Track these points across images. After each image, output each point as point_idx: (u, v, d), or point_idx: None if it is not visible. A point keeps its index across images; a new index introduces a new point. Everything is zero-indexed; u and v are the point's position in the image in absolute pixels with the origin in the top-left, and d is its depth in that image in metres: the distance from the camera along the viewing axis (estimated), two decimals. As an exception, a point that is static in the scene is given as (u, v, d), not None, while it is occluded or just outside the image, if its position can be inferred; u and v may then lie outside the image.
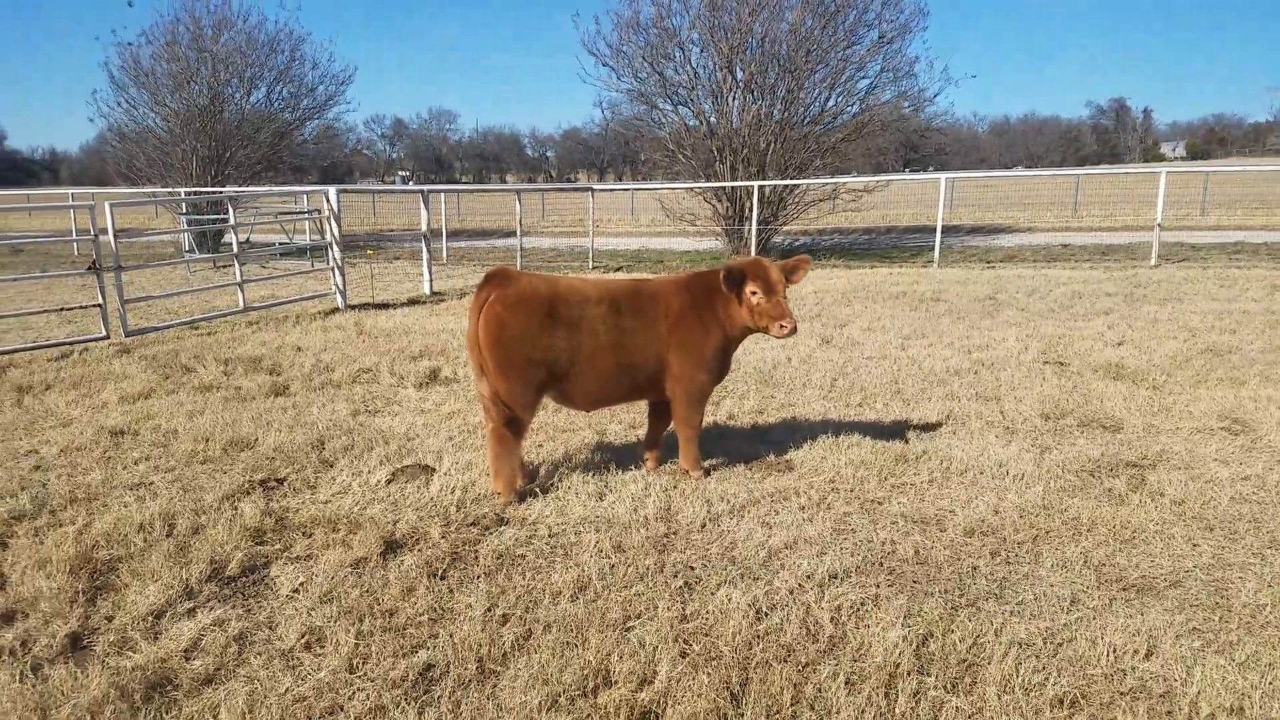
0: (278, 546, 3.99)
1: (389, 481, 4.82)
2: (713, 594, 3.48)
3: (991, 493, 4.61)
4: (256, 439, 5.61)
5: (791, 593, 3.48)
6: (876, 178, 18.66)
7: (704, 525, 4.18)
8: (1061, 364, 7.52)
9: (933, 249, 16.61)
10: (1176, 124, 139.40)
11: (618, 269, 16.90)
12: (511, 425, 4.52)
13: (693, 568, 3.74)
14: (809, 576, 3.60)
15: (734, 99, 17.11)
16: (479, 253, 20.84)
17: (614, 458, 5.16)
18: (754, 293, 4.62)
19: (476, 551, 3.94)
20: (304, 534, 4.12)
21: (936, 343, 8.54)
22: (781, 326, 4.60)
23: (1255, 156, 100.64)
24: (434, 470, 4.98)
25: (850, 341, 8.69)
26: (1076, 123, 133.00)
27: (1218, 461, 5.06)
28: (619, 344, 4.57)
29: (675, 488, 4.67)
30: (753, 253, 16.71)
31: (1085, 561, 3.79)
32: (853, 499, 4.55)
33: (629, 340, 4.59)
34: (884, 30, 17.04)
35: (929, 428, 5.82)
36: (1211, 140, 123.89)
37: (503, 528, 4.20)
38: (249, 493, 4.65)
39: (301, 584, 3.59)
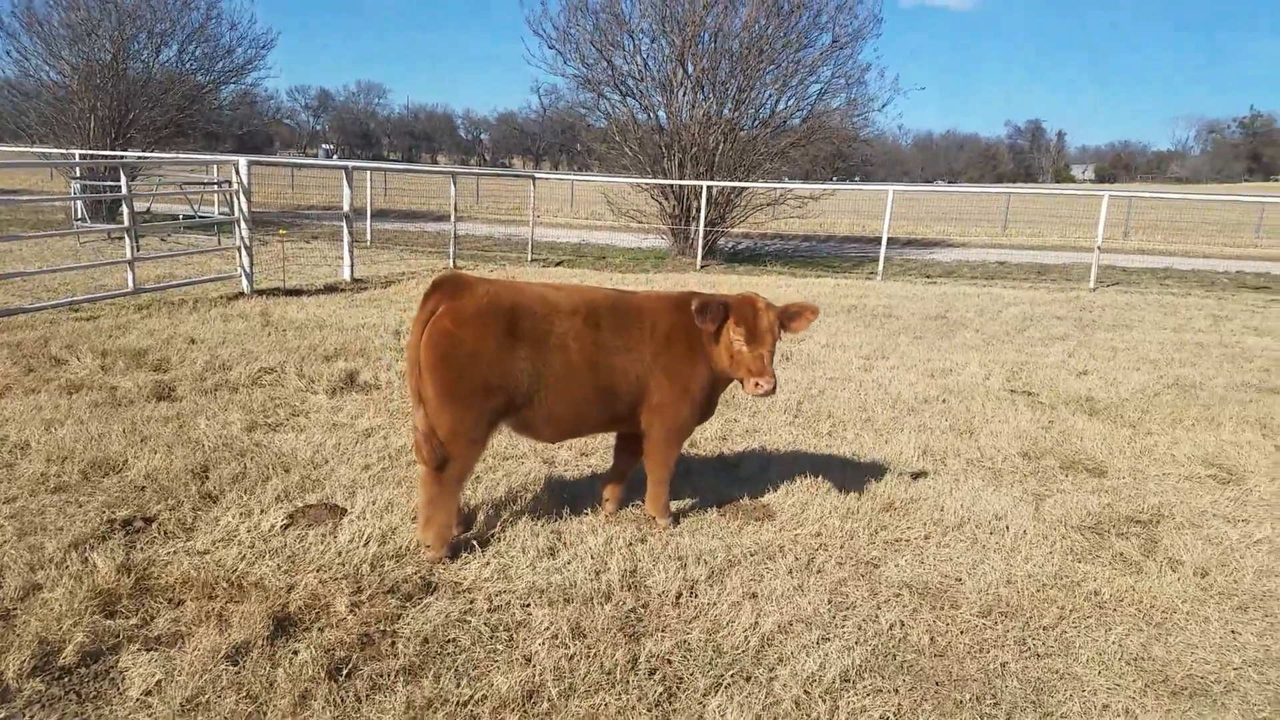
0: (134, 621, 3.04)
1: (286, 526, 3.87)
2: (701, 704, 2.73)
3: (997, 555, 3.99)
4: (126, 460, 4.53)
5: (798, 704, 2.75)
6: (824, 185, 18.23)
7: (679, 596, 3.41)
8: (1030, 394, 7.04)
9: (873, 260, 16.25)
10: (1086, 148, 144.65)
11: (558, 263, 16.02)
12: (450, 467, 3.59)
13: (671, 661, 2.97)
14: (814, 679, 2.88)
15: (684, 94, 16.39)
16: (407, 236, 19.64)
17: (567, 496, 4.35)
18: (736, 338, 3.80)
19: (394, 634, 3.07)
20: (170, 601, 3.18)
21: (899, 365, 7.97)
22: (757, 385, 3.76)
23: (1159, 182, 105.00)
24: (344, 512, 4.05)
25: (810, 359, 8.05)
26: (995, 141, 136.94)
27: (1221, 519, 4.57)
28: (596, 364, 3.73)
29: (642, 542, 3.90)
30: (699, 254, 16.05)
31: (1122, 653, 3.18)
32: (845, 559, 3.87)
33: (608, 361, 3.75)
34: (837, 34, 16.57)
35: (909, 466, 5.20)
36: (1118, 165, 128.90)
37: (429, 598, 3.33)
38: (106, 537, 3.64)
39: (158, 683, 2.68)
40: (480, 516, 4.07)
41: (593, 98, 17.40)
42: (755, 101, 16.60)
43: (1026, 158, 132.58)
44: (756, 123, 16.83)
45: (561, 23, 16.85)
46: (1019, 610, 3.48)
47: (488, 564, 3.61)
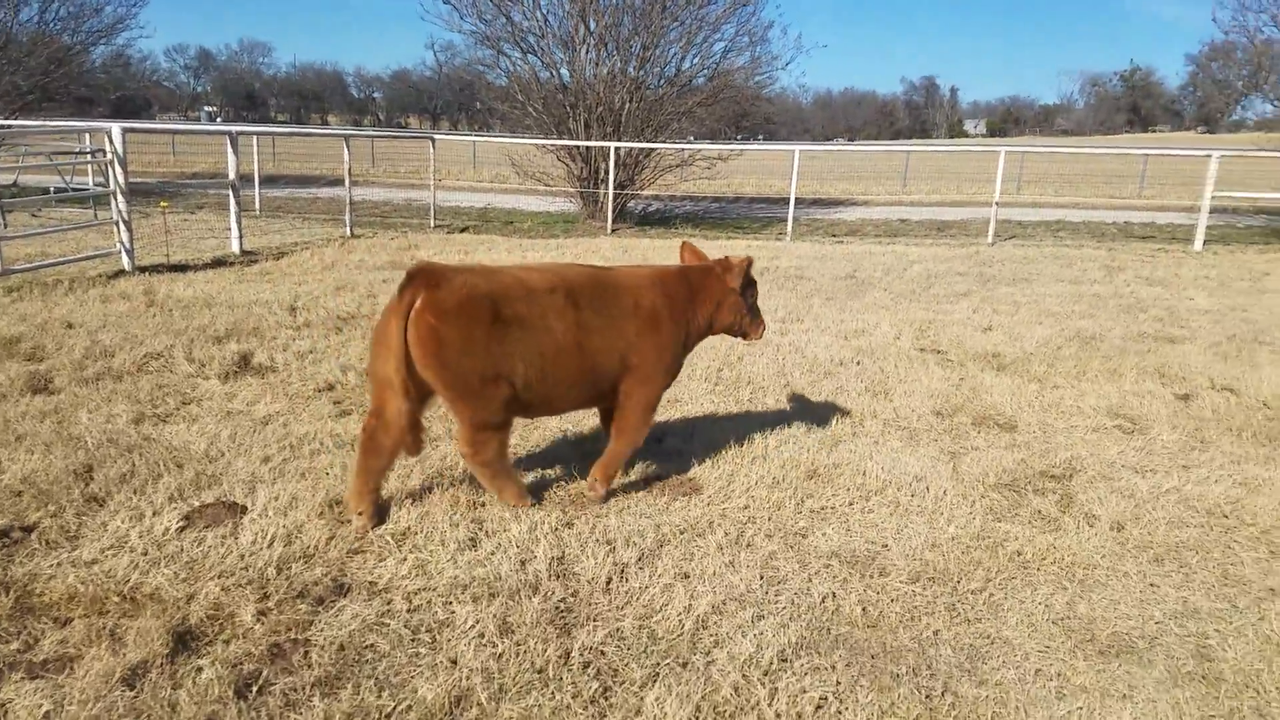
0: (15, 646, 2.74)
1: (182, 529, 3.58)
2: (639, 697, 2.63)
3: (920, 519, 4.02)
4: None
5: (737, 690, 2.69)
6: (732, 146, 18.17)
7: (610, 582, 3.30)
8: (940, 352, 7.17)
9: (782, 220, 16.33)
10: (978, 103, 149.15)
11: (463, 229, 15.57)
12: (487, 453, 3.71)
13: (605, 652, 2.87)
14: (752, 661, 2.83)
15: (587, 51, 16.02)
16: (299, 203, 18.77)
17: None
18: (751, 296, 4.35)
19: (307, 643, 2.86)
20: (56, 621, 2.89)
21: (813, 327, 8.01)
22: (762, 330, 4.49)
23: (1047, 135, 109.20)
24: (244, 510, 3.78)
25: (726, 324, 8.00)
26: (891, 98, 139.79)
27: (1131, 470, 4.72)
28: (580, 343, 3.76)
29: (568, 526, 3.77)
30: (609, 217, 15.83)
31: (1049, 614, 3.23)
32: (774, 532, 3.83)
33: (590, 340, 3.79)
34: (739, -11, 16.43)
35: (830, 430, 5.21)
36: (1008, 119, 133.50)
37: (343, 601, 3.12)
38: (-20, 552, 3.31)
39: (46, 715, 2.43)
40: (394, 509, 3.86)
41: (492, 55, 16.89)
42: (660, 60, 16.39)
43: (922, 114, 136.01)
44: (662, 81, 16.64)
45: (456, -25, 16.21)
46: (946, 575, 3.50)
47: (404, 560, 3.42)
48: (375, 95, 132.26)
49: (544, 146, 17.30)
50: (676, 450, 4.79)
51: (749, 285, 4.30)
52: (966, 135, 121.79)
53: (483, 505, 3.91)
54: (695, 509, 4.01)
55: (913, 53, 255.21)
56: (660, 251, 13.05)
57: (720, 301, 4.24)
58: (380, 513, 3.78)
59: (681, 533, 3.74)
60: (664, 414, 5.42)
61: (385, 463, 3.72)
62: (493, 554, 3.46)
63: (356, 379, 5.91)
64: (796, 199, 15.99)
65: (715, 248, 13.78)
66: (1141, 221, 18.92)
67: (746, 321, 4.36)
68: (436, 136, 18.83)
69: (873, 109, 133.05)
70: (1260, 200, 19.48)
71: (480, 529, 3.69)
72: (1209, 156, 14.76)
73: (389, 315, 3.52)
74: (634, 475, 4.39)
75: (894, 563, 3.58)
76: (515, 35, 16.40)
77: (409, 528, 3.70)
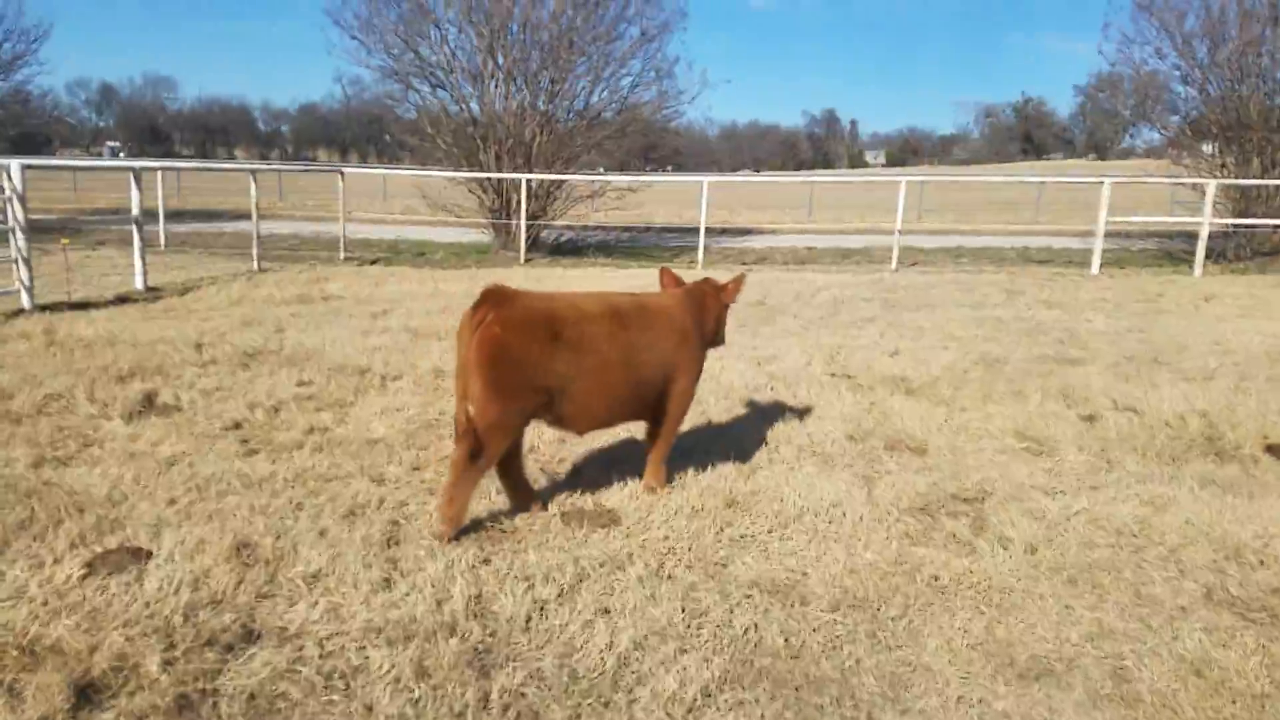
0: (-113, 716, 2.54)
1: (84, 576, 3.38)
2: (561, 741, 2.57)
3: (838, 545, 4.06)
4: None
5: (662, 728, 2.65)
6: (643, 178, 18.37)
7: (529, 620, 3.23)
8: (850, 377, 7.31)
9: (693, 249, 16.56)
10: (877, 134, 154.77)
11: (373, 261, 15.28)
12: (483, 457, 3.94)
13: (525, 694, 2.79)
14: (675, 698, 2.79)
15: (496, 85, 16.02)
16: (205, 238, 18.17)
17: (402, 517, 4.07)
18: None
19: (215, 693, 2.72)
20: (-57, 683, 2.69)
21: (727, 354, 8.03)
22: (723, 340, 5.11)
23: (945, 165, 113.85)
24: (149, 556, 3.59)
25: (642, 353, 8.02)
26: (795, 130, 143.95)
27: (1041, 491, 4.85)
28: (628, 361, 4.26)
29: (485, 563, 3.68)
30: (522, 248, 15.76)
31: (968, 639, 3.28)
32: (694, 562, 3.81)
33: (637, 358, 4.30)
34: (645, 27, 16.73)
35: (747, 457, 5.25)
36: (907, 149, 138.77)
37: (252, 648, 2.98)
38: None
39: (-81, 793, 2.24)
40: (304, 549, 3.70)
41: (401, 89, 16.73)
42: (569, 94, 16.51)
43: (824, 145, 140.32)
44: (572, 115, 16.74)
45: (363, 13, 16.10)
46: (866, 601, 3.53)
47: (316, 604, 3.28)
48: (282, 129, 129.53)
49: (455, 179, 17.17)
50: (594, 480, 4.74)
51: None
52: (867, 165, 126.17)
53: (397, 544, 3.79)
54: (615, 541, 3.97)
55: (814, 86, 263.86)
56: (573, 280, 13.05)
57: (719, 316, 4.89)
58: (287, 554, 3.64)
59: (601, 566, 3.69)
60: (581, 444, 5.38)
61: (518, 470, 4.32)
62: (408, 595, 3.35)
63: (265, 416, 5.71)
64: (707, 228, 16.24)
65: (628, 275, 13.83)
66: (1039, 246, 19.81)
67: (723, 332, 5.05)
68: (346, 170, 18.49)
69: (777, 141, 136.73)
70: (1151, 224, 20.64)
71: (394, 568, 3.57)
72: (1101, 183, 15.58)
73: (462, 331, 3.97)
74: (552, 507, 4.33)
75: (814, 591, 3.60)
76: (424, 70, 16.33)
77: (320, 569, 3.55)
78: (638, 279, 13.50)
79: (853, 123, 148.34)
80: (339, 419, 5.76)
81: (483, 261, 15.65)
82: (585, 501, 4.44)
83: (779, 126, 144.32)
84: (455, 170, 16.94)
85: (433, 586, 3.41)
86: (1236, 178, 16.07)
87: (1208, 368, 7.68)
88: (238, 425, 5.58)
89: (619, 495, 4.50)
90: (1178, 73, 16.75)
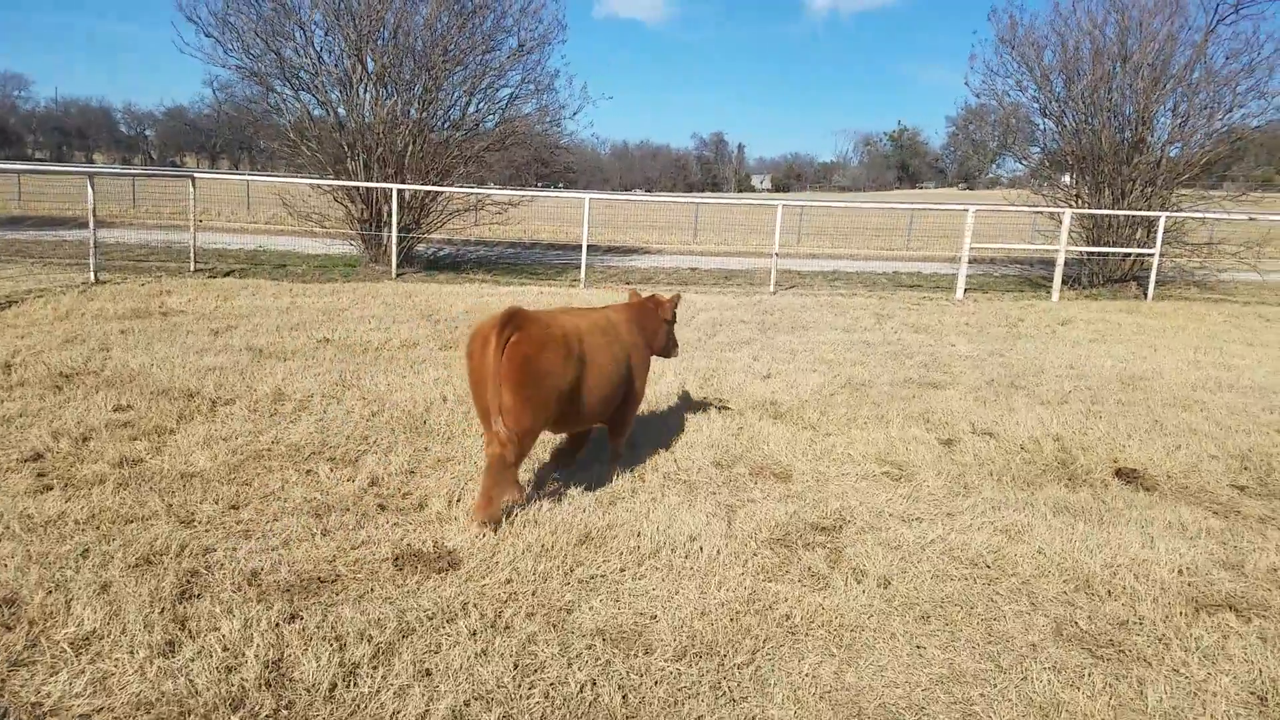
0: None
1: None
2: (350, 838, 2.22)
3: (691, 583, 3.85)
4: None
5: (472, 813, 2.34)
6: (522, 192, 18.00)
7: (334, 689, 2.86)
8: (721, 400, 7.17)
9: (576, 267, 16.30)
10: (763, 159, 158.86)
11: (228, 272, 14.35)
12: (524, 452, 4.52)
13: (317, 782, 2.43)
14: (494, 773, 2.49)
15: (365, 91, 15.37)
16: (41, 247, 16.73)
17: (204, 565, 3.61)
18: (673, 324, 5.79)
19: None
20: None
21: (598, 376, 7.85)
22: (677, 351, 5.99)
23: (826, 191, 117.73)
24: None
25: (506, 376, 7.67)
26: (685, 152, 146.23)
27: (898, 519, 4.80)
28: (615, 370, 4.99)
29: (292, 620, 3.27)
30: (393, 261, 15.13)
31: (816, 686, 3.11)
32: (537, 609, 3.52)
33: (618, 367, 5.04)
34: (523, 39, 16.40)
35: (609, 488, 5.01)
36: (790, 175, 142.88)
37: (-15, 738, 2.53)
38: None
39: None
40: (78, 606, 3.22)
41: (261, 91, 15.82)
42: (444, 103, 15.99)
43: (713, 168, 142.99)
44: (447, 124, 16.22)
45: (219, 8, 15.11)
46: (714, 647, 3.32)
47: (82, 673, 2.83)
48: (147, 133, 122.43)
49: (320, 187, 16.38)
50: (438, 517, 4.40)
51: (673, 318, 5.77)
52: (754, 190, 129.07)
53: (191, 599, 3.35)
54: (449, 587, 3.64)
55: (703, 109, 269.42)
56: (449, 296, 12.58)
57: (657, 330, 5.62)
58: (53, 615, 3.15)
59: (430, 619, 3.35)
60: (431, 477, 5.03)
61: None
62: (193, 660, 2.93)
63: (70, 446, 5.12)
64: (592, 246, 16.03)
65: (508, 293, 13.47)
66: (909, 271, 20.48)
67: (670, 344, 5.83)
68: (197, 175, 17.41)
69: (668, 162, 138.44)
70: (1012, 251, 21.69)
71: (182, 629, 3.14)
72: (966, 211, 16.18)
73: (483, 351, 4.35)
74: (383, 549, 3.96)
75: (661, 637, 3.36)
76: (286, 72, 15.50)
77: (94, 631, 3.09)
78: (518, 296, 13.15)
79: (740, 147, 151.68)
80: (155, 449, 5.21)
81: (350, 275, 14.94)
82: (424, 540, 4.09)
83: (669, 147, 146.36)
84: (320, 178, 16.16)
85: (224, 650, 3.00)
86: (1090, 208, 16.98)
87: (1062, 391, 7.92)
88: (37, 457, 4.99)
89: (464, 535, 4.17)
90: (1037, 105, 17.60)
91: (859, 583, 3.96)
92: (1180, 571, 4.18)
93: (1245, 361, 9.72)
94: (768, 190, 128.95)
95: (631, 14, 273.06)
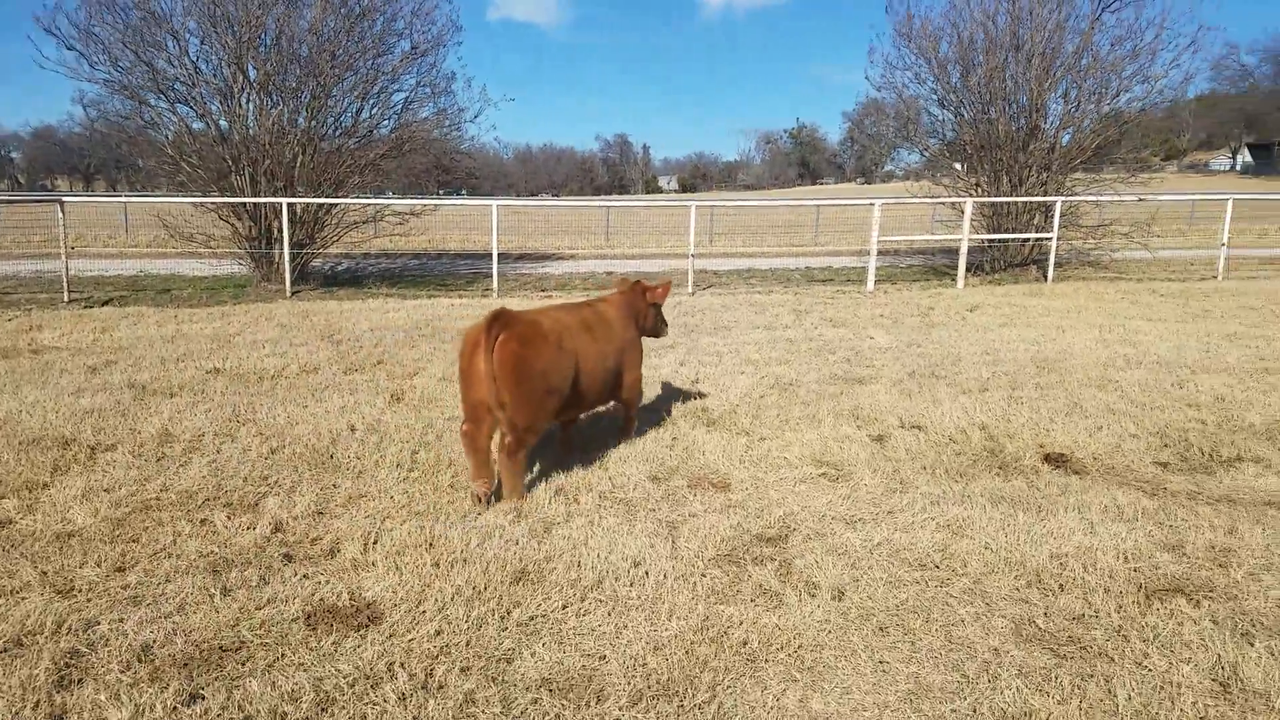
0: None
1: None
2: None
3: (640, 614, 3.60)
4: None
5: None
6: (424, 200, 17.44)
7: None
8: (651, 409, 6.94)
9: (488, 276, 15.87)
10: (669, 160, 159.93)
11: (106, 301, 13.42)
12: (521, 449, 4.89)
13: None
14: None
15: (248, 101, 14.60)
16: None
17: (85, 639, 3.17)
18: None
19: None
20: None
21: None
22: (666, 331, 6.49)
23: (731, 190, 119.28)
24: None
25: (426, 398, 7.28)
26: (590, 154, 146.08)
27: (842, 522, 4.66)
28: (600, 361, 5.43)
29: (191, 699, 2.87)
30: (287, 279, 14.42)
31: (781, 718, 2.91)
32: (472, 662, 3.21)
33: (604, 358, 5.47)
34: (416, 41, 15.87)
35: (541, 513, 4.73)
36: (696, 175, 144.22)
37: None
38: None
39: None
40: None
41: (134, 106, 14.84)
42: (334, 110, 15.33)
43: (619, 170, 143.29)
44: (339, 132, 15.56)
45: (81, 19, 14.09)
46: (671, 686, 3.08)
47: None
48: (13, 155, 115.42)
49: (204, 205, 15.48)
50: (353, 564, 4.03)
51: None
52: (662, 190, 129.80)
53: (70, 686, 2.92)
54: (371, 646, 3.29)
55: (606, 111, 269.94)
56: (350, 314, 12.02)
57: (645, 312, 6.08)
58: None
59: (351, 685, 3.00)
60: (342, 516, 4.65)
61: (487, 452, 4.94)
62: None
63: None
64: (504, 254, 15.61)
65: (414, 306, 12.95)
66: (820, 266, 20.68)
67: (659, 324, 6.30)
68: (67, 199, 16.29)
69: (573, 164, 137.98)
70: (915, 241, 22.18)
71: None
72: (872, 205, 16.41)
73: (474, 351, 4.74)
74: (294, 607, 3.59)
75: (613, 680, 3.10)
76: (160, 84, 14.58)
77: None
78: (425, 310, 12.66)
79: (645, 148, 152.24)
80: (26, 507, 4.67)
81: (240, 296, 14.16)
82: (338, 592, 3.73)
83: (574, 150, 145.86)
84: (203, 195, 15.27)
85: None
86: (989, 196, 17.45)
87: (982, 378, 7.97)
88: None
89: (384, 583, 3.82)
90: (935, 96, 18.00)
91: (813, 596, 3.78)
92: (1125, 557, 4.15)
93: (1148, 337, 10.04)
94: (675, 191, 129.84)
95: (527, 17, 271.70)
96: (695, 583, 3.90)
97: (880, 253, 16.39)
